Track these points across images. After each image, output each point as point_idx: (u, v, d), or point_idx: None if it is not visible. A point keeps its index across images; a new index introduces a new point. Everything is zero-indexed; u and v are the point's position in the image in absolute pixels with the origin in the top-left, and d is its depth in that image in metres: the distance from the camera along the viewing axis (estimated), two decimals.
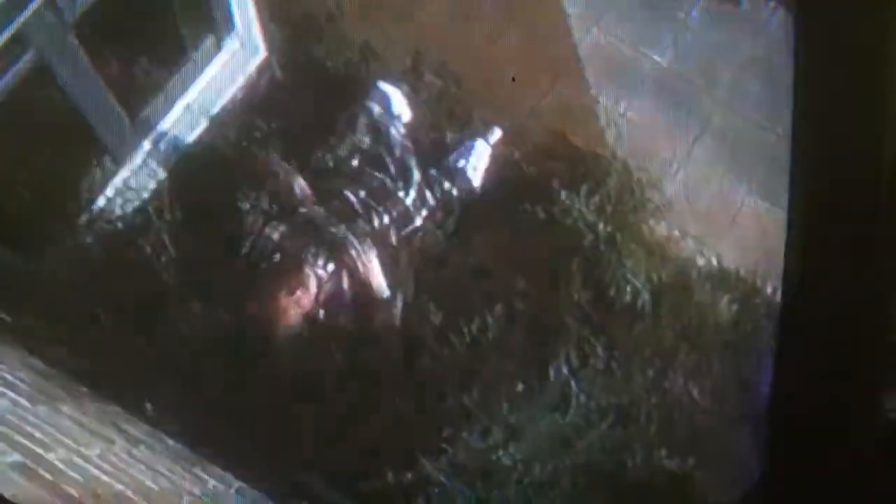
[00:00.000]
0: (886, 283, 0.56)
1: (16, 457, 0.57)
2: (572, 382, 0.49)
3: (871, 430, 0.51)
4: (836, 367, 0.51)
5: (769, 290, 0.52)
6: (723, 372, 0.52)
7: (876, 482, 0.51)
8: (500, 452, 0.49)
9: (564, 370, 0.48)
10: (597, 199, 0.53)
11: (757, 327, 0.51)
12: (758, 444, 0.52)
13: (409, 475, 0.49)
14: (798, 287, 0.52)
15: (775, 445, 0.51)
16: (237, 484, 0.58)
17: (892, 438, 0.52)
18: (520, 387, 0.48)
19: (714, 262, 0.52)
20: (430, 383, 0.48)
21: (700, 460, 0.52)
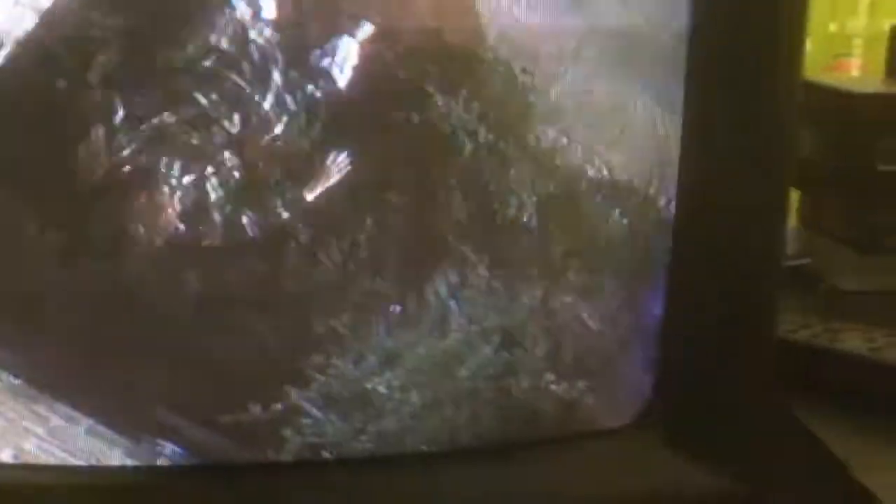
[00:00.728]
0: (779, 193, 0.53)
1: None
2: (452, 304, 0.45)
3: (762, 351, 0.48)
4: (728, 286, 0.48)
5: (662, 202, 0.49)
6: (614, 291, 0.49)
7: (765, 402, 0.49)
8: (376, 380, 0.45)
9: (444, 291, 0.44)
10: (477, 104, 0.49)
11: (649, 243, 0.48)
12: (649, 367, 0.49)
13: (276, 406, 0.45)
14: (691, 200, 0.49)
15: (667, 368, 0.48)
16: (87, 422, 0.54)
17: (783, 359, 0.51)
18: (395, 309, 0.44)
19: (605, 172, 0.49)
20: (296, 307, 0.43)
21: (590, 384, 0.50)
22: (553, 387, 0.48)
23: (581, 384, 0.49)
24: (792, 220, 1.04)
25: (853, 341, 0.60)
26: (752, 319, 0.50)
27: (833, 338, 0.60)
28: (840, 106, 0.98)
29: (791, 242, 1.00)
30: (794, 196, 1.04)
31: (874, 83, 1.02)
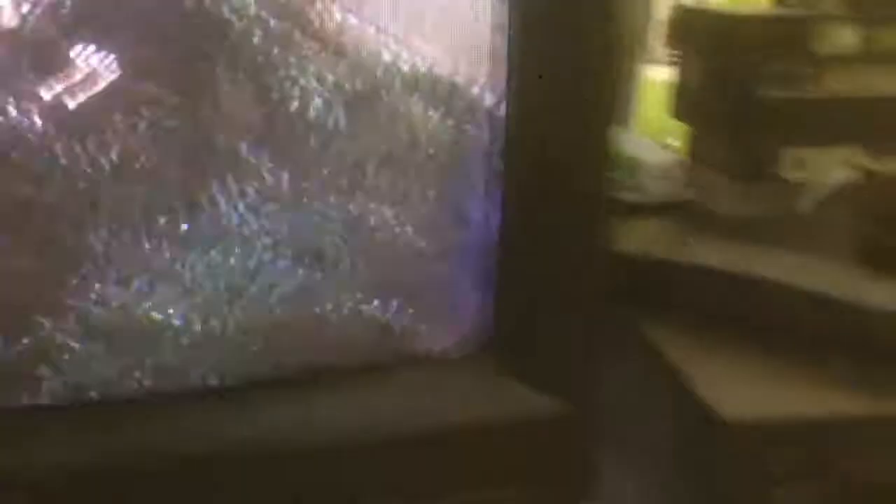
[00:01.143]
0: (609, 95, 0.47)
1: None
2: (235, 214, 0.38)
3: (598, 269, 0.43)
4: (564, 198, 0.42)
5: (490, 101, 0.43)
6: (436, 201, 0.43)
7: (603, 321, 0.43)
8: (147, 305, 0.39)
9: (223, 199, 0.38)
10: None
11: (477, 148, 0.43)
12: (481, 287, 0.42)
13: (25, 340, 0.37)
14: (522, 100, 0.42)
15: (500, 288, 0.42)
16: None
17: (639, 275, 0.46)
18: (165, 221, 0.37)
19: (422, 67, 0.43)
20: (42, 220, 0.37)
21: (410, 305, 0.44)
22: (365, 308, 0.42)
23: (399, 305, 0.43)
24: (682, 155, 0.99)
25: (711, 256, 0.55)
26: (588, 234, 0.44)
27: (691, 252, 0.55)
28: (721, 30, 0.93)
29: (680, 176, 0.96)
30: (683, 129, 0.99)
31: (756, 5, 0.97)
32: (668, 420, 0.47)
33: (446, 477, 0.43)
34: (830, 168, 0.74)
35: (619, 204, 0.95)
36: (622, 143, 1.01)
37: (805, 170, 0.92)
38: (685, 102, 1.05)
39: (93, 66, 0.37)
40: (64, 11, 0.35)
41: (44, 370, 0.38)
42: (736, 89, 0.93)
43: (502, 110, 0.43)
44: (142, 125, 0.37)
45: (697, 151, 1.05)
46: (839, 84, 0.92)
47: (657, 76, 1.07)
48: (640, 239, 0.61)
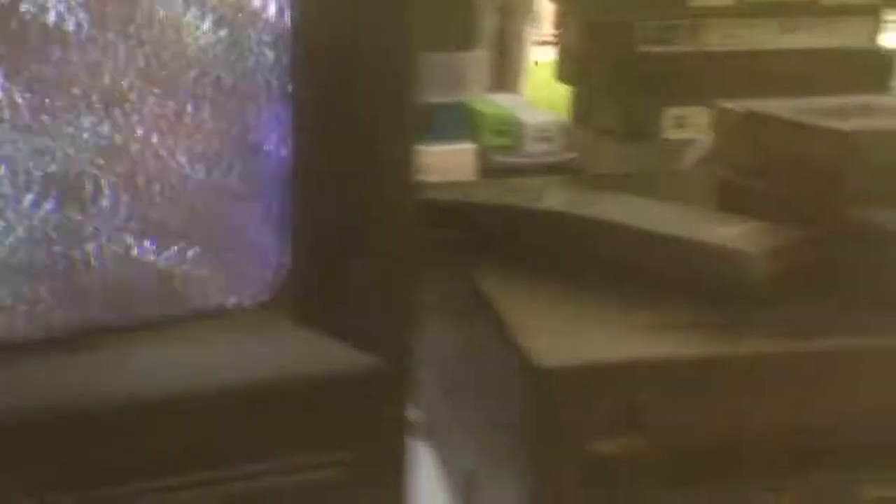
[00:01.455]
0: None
1: None
2: None
3: (406, 210, 0.37)
4: (361, 130, 0.37)
5: (272, 11, 0.37)
6: (214, 125, 0.38)
7: (414, 268, 0.38)
8: None
9: None
10: None
11: (259, 65, 0.37)
12: (275, 229, 0.37)
13: None
14: (309, 8, 0.37)
15: (297, 231, 0.36)
16: None
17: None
18: None
19: None
20: None
21: (191, 247, 0.38)
22: (137, 252, 0.36)
23: (179, 249, 0.37)
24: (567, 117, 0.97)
25: (553, 201, 0.51)
26: (396, 170, 0.39)
27: (532, 198, 0.51)
28: None
29: (562, 138, 0.93)
30: (567, 92, 0.96)
31: None
32: (493, 370, 0.42)
33: (248, 441, 0.37)
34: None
35: (498, 165, 0.90)
36: (503, 105, 0.96)
37: (686, 128, 0.89)
38: (568, 64, 1.01)
39: None
40: None
41: None
42: (613, 46, 0.90)
43: (287, 20, 0.37)
44: None
45: (580, 113, 1.01)
46: (716, 39, 0.89)
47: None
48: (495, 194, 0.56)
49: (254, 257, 0.40)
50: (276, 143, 0.39)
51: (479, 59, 0.83)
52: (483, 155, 0.87)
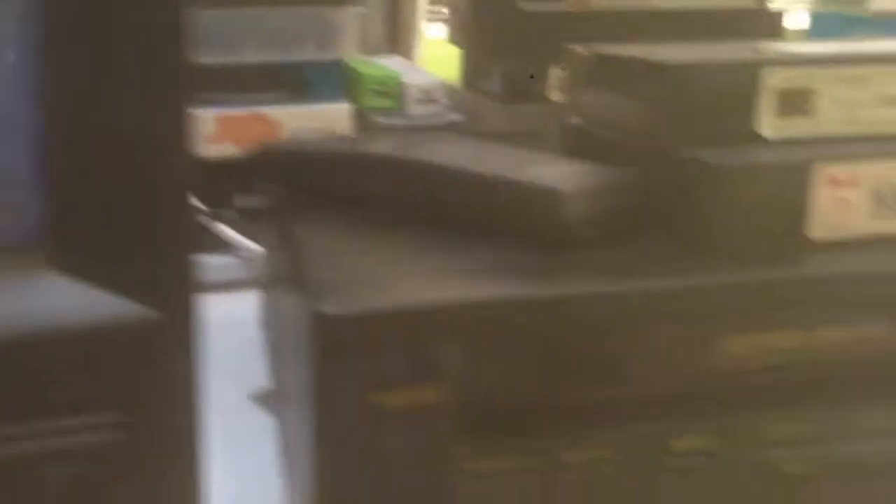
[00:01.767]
0: None
1: None
2: None
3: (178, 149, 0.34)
4: (121, 59, 0.34)
5: None
6: None
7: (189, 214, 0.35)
8: None
9: None
10: None
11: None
12: (25, 161, 0.35)
13: None
14: None
15: (51, 165, 0.34)
16: None
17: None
18: None
19: None
20: None
21: None
22: None
23: None
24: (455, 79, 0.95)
25: (380, 144, 0.48)
26: (166, 96, 0.35)
27: (364, 144, 0.48)
28: None
29: (446, 99, 0.90)
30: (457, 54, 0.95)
31: None
32: (297, 322, 0.39)
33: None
34: None
35: (377, 126, 0.87)
36: (385, 65, 0.93)
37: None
38: (456, 25, 0.98)
39: None
40: None
41: None
42: (496, 5, 0.87)
43: None
44: None
45: (468, 75, 0.99)
46: None
47: None
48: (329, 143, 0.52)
49: (7, 193, 0.36)
50: (21, 53, 0.35)
51: (354, 16, 0.80)
52: (362, 116, 0.84)
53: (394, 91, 0.89)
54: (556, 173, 0.42)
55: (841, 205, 0.40)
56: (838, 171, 0.40)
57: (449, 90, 0.93)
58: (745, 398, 0.39)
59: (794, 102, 0.42)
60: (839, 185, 0.40)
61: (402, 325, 0.35)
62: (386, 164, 0.45)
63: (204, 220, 0.69)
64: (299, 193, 0.48)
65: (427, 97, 0.90)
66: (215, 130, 0.78)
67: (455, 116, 0.92)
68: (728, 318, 0.39)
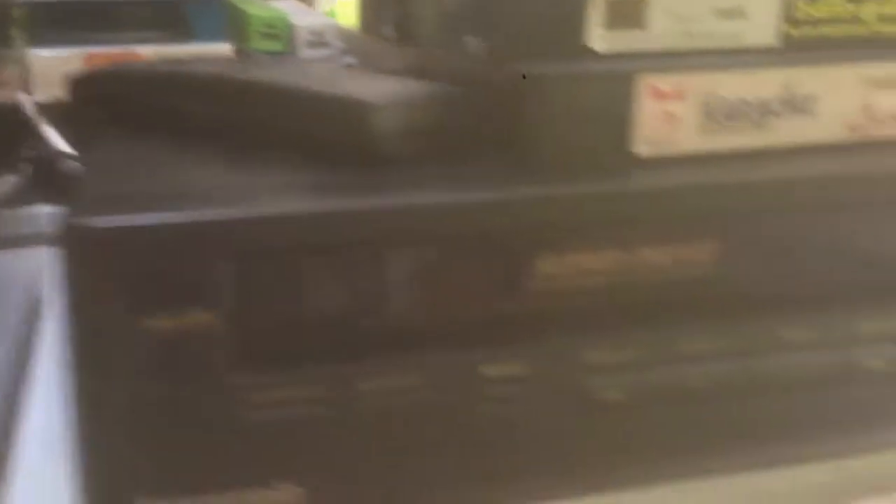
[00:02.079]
0: None
1: None
2: None
3: None
4: None
5: None
6: None
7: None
8: None
9: None
10: None
11: None
12: None
13: None
14: None
15: None
16: None
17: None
18: None
19: None
20: None
21: None
22: None
23: None
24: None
25: (211, 65, 0.45)
26: None
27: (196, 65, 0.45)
28: None
29: (339, 45, 0.87)
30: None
31: None
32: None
33: None
34: None
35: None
36: (274, 6, 0.89)
37: None
38: None
39: None
40: None
41: None
42: None
43: None
44: None
45: (365, 19, 0.96)
46: None
47: None
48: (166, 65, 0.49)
49: None
50: None
51: None
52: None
53: (282, 33, 0.85)
54: (371, 88, 0.39)
55: (667, 119, 0.38)
56: (663, 82, 0.38)
57: (343, 33, 0.90)
58: (561, 322, 0.37)
59: (625, 14, 0.39)
60: (665, 98, 0.38)
61: (170, 241, 0.32)
62: (204, 82, 0.42)
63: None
64: (121, 117, 0.45)
65: (319, 40, 0.87)
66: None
67: (349, 60, 0.88)
68: (543, 236, 0.36)
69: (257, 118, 0.41)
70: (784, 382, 0.39)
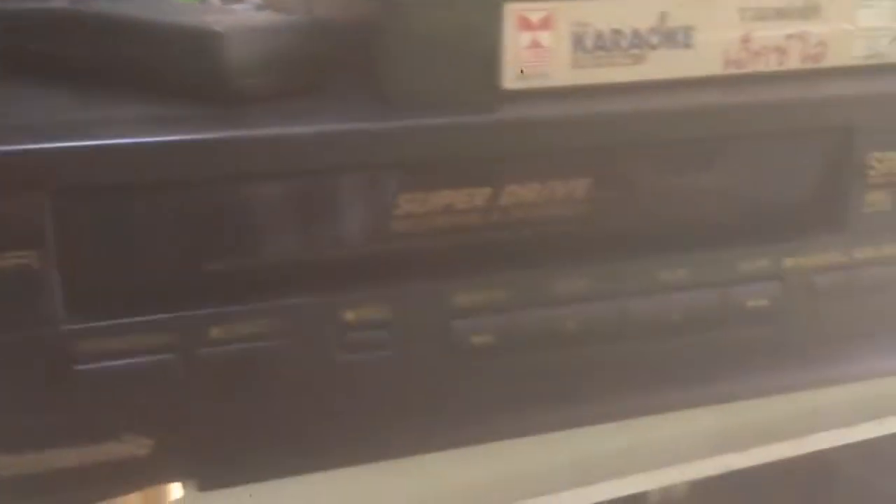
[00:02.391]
0: None
1: None
2: None
3: None
4: None
5: None
6: None
7: None
8: None
9: None
10: None
11: None
12: None
13: None
14: None
15: None
16: None
17: None
18: None
19: None
20: None
21: None
22: None
23: None
24: None
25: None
26: None
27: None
28: None
29: None
30: None
31: None
32: None
33: None
34: None
35: None
36: None
37: None
38: None
39: None
40: None
41: None
42: None
43: None
44: None
45: None
46: None
47: None
48: None
49: None
50: None
51: None
52: None
53: None
54: (223, 19, 0.37)
55: (536, 50, 0.36)
56: (531, 11, 0.36)
57: None
58: (426, 264, 0.35)
59: None
60: (533, 28, 0.36)
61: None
62: (55, 17, 0.39)
63: None
64: None
65: None
66: None
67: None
68: (405, 172, 0.34)
69: (107, 53, 0.38)
70: (662, 324, 0.38)
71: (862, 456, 0.64)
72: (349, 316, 0.34)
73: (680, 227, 0.39)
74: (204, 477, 0.35)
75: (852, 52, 0.41)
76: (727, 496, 0.56)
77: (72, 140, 0.30)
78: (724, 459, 0.41)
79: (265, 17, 0.38)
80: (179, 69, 0.36)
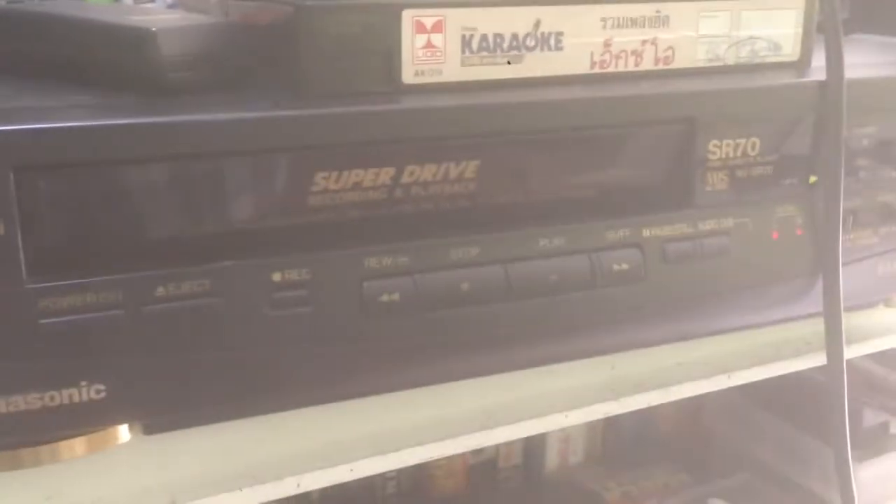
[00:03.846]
0: None
1: None
2: None
3: None
4: None
5: None
6: None
7: None
8: None
9: None
10: None
11: None
12: None
13: None
14: None
15: None
16: None
17: None
18: None
19: None
20: None
21: None
22: None
23: None
24: None
25: None
26: None
27: None
28: None
29: None
30: None
31: None
32: None
33: None
34: None
35: None
36: None
37: None
38: None
39: None
40: None
41: None
42: None
43: None
44: None
45: None
46: None
47: None
48: None
49: None
50: None
51: None
52: None
53: None
54: (152, 19, 0.43)
55: (430, 50, 0.43)
56: (425, 16, 0.43)
57: None
58: (340, 232, 0.42)
59: None
60: (427, 31, 0.43)
61: None
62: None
63: None
64: None
65: None
66: None
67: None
68: (318, 154, 0.41)
69: (49, 50, 0.44)
70: (542, 285, 0.46)
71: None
72: (276, 277, 0.40)
73: (555, 203, 0.46)
74: (149, 421, 0.41)
75: (696, 56, 0.50)
76: None
77: (30, 123, 0.36)
78: (602, 407, 0.48)
79: (193, 19, 0.44)
80: (117, 64, 0.42)
